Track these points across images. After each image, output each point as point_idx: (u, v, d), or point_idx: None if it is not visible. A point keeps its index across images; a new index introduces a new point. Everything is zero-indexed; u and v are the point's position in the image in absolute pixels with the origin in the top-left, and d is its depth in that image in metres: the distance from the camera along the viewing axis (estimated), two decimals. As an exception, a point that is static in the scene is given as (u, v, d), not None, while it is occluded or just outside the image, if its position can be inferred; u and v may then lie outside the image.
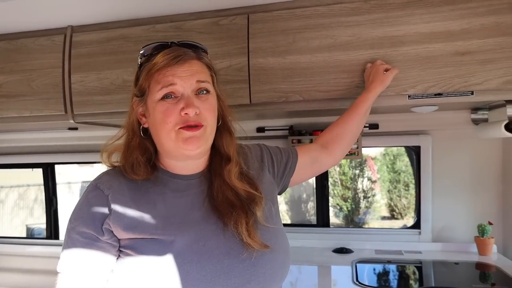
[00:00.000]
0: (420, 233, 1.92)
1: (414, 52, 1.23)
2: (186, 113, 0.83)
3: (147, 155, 0.90)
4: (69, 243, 0.83)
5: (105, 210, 0.83)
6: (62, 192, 2.69)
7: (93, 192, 0.85)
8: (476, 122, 1.74)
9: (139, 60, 0.90)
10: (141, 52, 0.89)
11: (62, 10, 1.43)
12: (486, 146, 1.82)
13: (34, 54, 1.59)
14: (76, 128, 1.90)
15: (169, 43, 0.89)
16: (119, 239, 0.84)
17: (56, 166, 2.51)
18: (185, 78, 0.84)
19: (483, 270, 1.68)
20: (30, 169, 2.59)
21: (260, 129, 1.93)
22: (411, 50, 1.23)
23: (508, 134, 1.34)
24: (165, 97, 0.84)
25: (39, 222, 2.89)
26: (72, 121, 1.58)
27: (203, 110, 0.85)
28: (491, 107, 1.57)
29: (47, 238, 2.52)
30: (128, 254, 0.83)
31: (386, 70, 1.21)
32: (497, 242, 1.79)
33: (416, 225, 1.95)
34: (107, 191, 0.84)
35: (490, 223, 1.75)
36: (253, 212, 0.87)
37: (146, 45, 0.89)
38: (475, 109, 1.71)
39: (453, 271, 1.67)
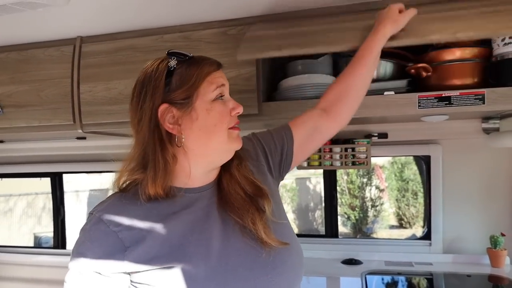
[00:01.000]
0: (430, 244, 1.89)
1: (432, 16, 1.12)
2: (237, 112, 0.87)
3: (172, 166, 0.83)
4: (72, 280, 0.79)
5: (117, 249, 0.78)
6: (70, 201, 2.71)
7: (97, 225, 0.80)
8: (487, 131, 1.72)
9: (173, 63, 0.83)
10: (173, 53, 0.85)
11: (71, 21, 1.45)
12: (497, 156, 1.79)
13: (43, 64, 1.61)
14: (84, 138, 1.92)
15: (190, 55, 0.87)
16: (129, 273, 0.80)
17: (64, 175, 2.52)
18: (227, 82, 0.89)
19: (496, 282, 1.65)
20: (38, 179, 2.60)
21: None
22: (428, 15, 1.12)
23: (520, 144, 1.32)
24: (217, 97, 0.85)
25: (47, 230, 2.90)
26: (80, 131, 1.59)
27: (241, 111, 0.90)
28: (503, 116, 1.55)
29: (54, 247, 2.53)
30: (141, 285, 0.80)
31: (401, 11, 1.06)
32: (510, 254, 1.76)
33: (427, 236, 1.92)
34: (116, 228, 0.79)
35: (503, 235, 1.72)
36: (263, 209, 0.86)
37: (170, 51, 0.86)
38: (486, 118, 1.70)
39: (465, 283, 1.65)
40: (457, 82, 1.30)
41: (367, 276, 1.70)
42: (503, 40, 1.24)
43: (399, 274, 1.73)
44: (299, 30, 1.27)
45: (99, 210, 0.82)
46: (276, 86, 1.48)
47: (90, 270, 0.78)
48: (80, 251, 0.79)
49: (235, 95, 1.39)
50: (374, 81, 1.36)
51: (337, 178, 3.78)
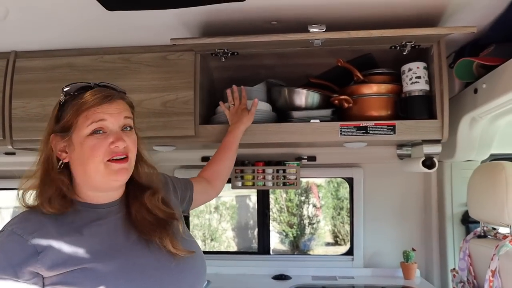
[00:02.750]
0: (353, 259, 2.04)
1: None
2: (116, 146, 0.89)
3: (64, 188, 0.91)
4: None
5: (30, 255, 0.82)
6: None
7: (10, 237, 0.83)
8: (401, 157, 1.92)
9: (62, 98, 0.92)
10: (65, 90, 0.92)
11: (5, 34, 1.42)
12: (410, 179, 2.00)
13: (-27, 77, 1.55)
14: (13, 153, 1.84)
15: (92, 84, 0.94)
16: (43, 278, 0.83)
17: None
18: (115, 115, 0.91)
19: (407, 293, 1.82)
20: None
21: (205, 159, 1.98)
22: None
23: (424, 169, 1.51)
24: (93, 132, 0.89)
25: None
26: (10, 147, 1.54)
27: (129, 143, 0.92)
28: (414, 144, 1.75)
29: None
30: None
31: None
32: (419, 267, 1.95)
33: (350, 252, 2.07)
34: (28, 236, 0.83)
35: (413, 250, 1.91)
36: (171, 227, 0.97)
37: (69, 84, 0.93)
38: (400, 145, 1.90)
39: (382, 295, 1.80)
40: (373, 113, 1.46)
41: (295, 291, 1.80)
42: (410, 79, 1.42)
43: (323, 287, 1.85)
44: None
45: (11, 224, 0.86)
46: (214, 110, 1.57)
47: (7, 278, 0.80)
48: None
49: (174, 117, 1.47)
50: (302, 109, 1.51)
51: (276, 197, 3.90)
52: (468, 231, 1.78)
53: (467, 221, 1.81)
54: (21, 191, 0.91)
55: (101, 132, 0.90)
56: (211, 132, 1.48)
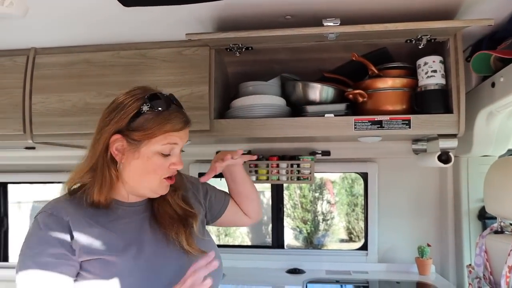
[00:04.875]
0: (367, 254, 2.04)
1: None
2: (175, 168, 0.98)
3: (113, 180, 0.95)
4: (27, 267, 0.85)
5: (68, 233, 0.88)
6: (11, 212, 2.59)
7: (50, 218, 0.89)
8: (416, 152, 1.90)
9: (145, 108, 0.92)
10: (151, 103, 0.92)
11: (26, 32, 1.46)
12: (425, 174, 1.99)
13: (-6, 73, 1.59)
14: (33, 148, 1.89)
15: (167, 94, 0.98)
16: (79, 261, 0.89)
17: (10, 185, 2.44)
18: (183, 140, 0.99)
19: (422, 289, 1.81)
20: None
21: (219, 153, 2.00)
22: None
23: (440, 164, 1.49)
24: (163, 152, 0.95)
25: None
26: (30, 141, 1.58)
27: (180, 168, 1.00)
28: (429, 138, 1.74)
29: (-4, 260, 2.42)
30: (83, 276, 0.88)
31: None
32: (435, 263, 1.94)
33: (364, 247, 2.07)
34: (66, 217, 0.89)
35: (428, 245, 1.90)
36: (189, 225, 1.01)
37: (153, 94, 0.94)
38: (416, 140, 1.88)
39: (396, 290, 1.80)
40: (388, 107, 1.45)
41: (308, 285, 1.81)
42: (426, 73, 1.41)
43: (337, 282, 1.85)
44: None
45: (48, 208, 0.91)
46: (229, 104, 1.58)
47: (54, 251, 0.86)
48: (38, 242, 0.87)
49: (189, 112, 1.46)
50: (316, 103, 1.50)
51: (290, 192, 3.89)
52: (484, 227, 1.76)
53: (483, 216, 1.79)
54: (69, 177, 0.96)
55: (170, 154, 0.96)
56: (226, 126, 1.49)
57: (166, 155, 0.96)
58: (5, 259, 2.42)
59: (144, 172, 0.95)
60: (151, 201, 1.04)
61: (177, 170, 1.04)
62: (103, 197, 0.94)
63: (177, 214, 1.02)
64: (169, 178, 0.98)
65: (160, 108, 0.93)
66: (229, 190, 1.30)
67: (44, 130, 1.56)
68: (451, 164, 1.47)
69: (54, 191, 2.88)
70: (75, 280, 0.89)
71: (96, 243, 0.89)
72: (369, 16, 1.31)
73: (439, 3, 1.25)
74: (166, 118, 0.93)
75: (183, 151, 1.02)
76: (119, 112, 0.93)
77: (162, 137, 0.93)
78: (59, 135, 1.56)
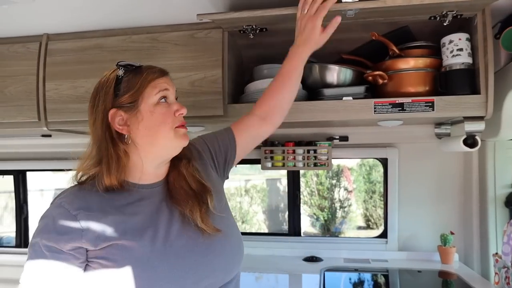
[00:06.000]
0: (387, 242, 1.99)
1: None
2: (181, 113, 0.97)
3: (124, 161, 0.94)
4: (33, 256, 0.86)
5: (75, 230, 0.86)
6: (34, 199, 2.65)
7: (58, 210, 0.89)
8: (439, 136, 1.83)
9: (121, 73, 0.94)
10: (122, 64, 0.94)
11: (37, 18, 1.45)
12: (448, 159, 1.91)
13: (8, 61, 1.59)
14: (49, 135, 1.90)
15: (138, 64, 0.98)
16: (87, 251, 0.88)
17: (29, 173, 2.47)
18: (172, 86, 0.99)
19: (445, 278, 1.75)
20: (1, 176, 2.54)
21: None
22: None
23: (466, 149, 1.42)
24: (160, 100, 0.94)
25: (9, 230, 2.82)
26: (45, 128, 1.59)
27: (185, 113, 0.99)
28: (453, 122, 1.66)
29: (17, 246, 2.47)
30: (100, 264, 0.87)
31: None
32: (458, 251, 1.88)
33: (383, 235, 2.02)
34: (75, 212, 0.87)
35: (452, 233, 1.83)
36: (205, 202, 0.98)
37: (122, 61, 0.95)
38: (439, 124, 1.81)
39: (417, 279, 1.75)
40: (410, 89, 1.38)
41: (326, 273, 1.77)
42: (451, 52, 1.33)
43: (356, 270, 1.81)
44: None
45: (59, 198, 0.91)
46: (243, 89, 1.54)
47: (53, 246, 0.85)
48: (43, 231, 0.87)
49: (202, 97, 1.45)
50: (333, 86, 1.45)
51: (307, 180, 3.86)
52: (512, 214, 1.69)
53: (511, 203, 1.71)
54: (75, 169, 0.95)
55: (165, 101, 0.96)
56: (240, 111, 1.44)
57: (166, 104, 0.96)
58: (26, 245, 2.47)
59: (155, 127, 0.93)
60: (167, 180, 1.01)
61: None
62: (115, 179, 0.92)
63: (192, 189, 0.99)
64: (181, 126, 0.97)
65: (133, 66, 0.95)
66: (267, 90, 1.18)
67: (58, 117, 1.56)
68: (477, 148, 1.40)
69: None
70: (88, 269, 0.89)
71: (112, 229, 0.88)
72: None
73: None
74: (143, 71, 0.95)
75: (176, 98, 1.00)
76: (101, 90, 0.95)
77: (151, 88, 0.94)
78: (73, 122, 1.55)
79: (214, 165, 1.13)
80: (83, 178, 0.96)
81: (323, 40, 1.16)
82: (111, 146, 0.92)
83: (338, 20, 1.15)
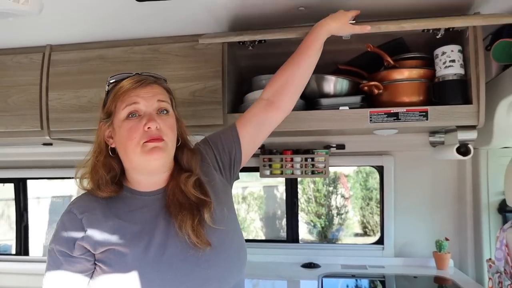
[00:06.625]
0: (383, 248, 2.02)
1: None
2: (148, 127, 0.92)
3: (112, 173, 0.99)
4: (49, 261, 0.94)
5: (79, 231, 0.92)
6: (31, 207, 2.65)
7: (67, 216, 0.94)
8: (433, 144, 1.87)
9: (107, 87, 1.00)
10: (109, 80, 1.00)
11: (41, 29, 1.48)
12: (443, 167, 1.95)
13: (11, 71, 1.62)
14: (50, 144, 1.92)
15: (133, 74, 0.99)
16: (94, 254, 0.92)
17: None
18: (148, 98, 0.94)
19: (440, 283, 1.78)
20: (1, 184, 2.55)
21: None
22: None
23: (459, 157, 1.46)
24: (129, 115, 0.94)
25: (5, 238, 2.82)
26: (48, 137, 1.61)
27: (164, 126, 0.94)
28: (447, 130, 1.70)
29: (17, 254, 2.47)
30: (99, 267, 0.92)
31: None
32: (453, 257, 1.91)
33: (380, 241, 2.05)
34: (80, 215, 0.93)
35: (446, 239, 1.86)
36: (200, 214, 0.95)
37: (114, 75, 1.00)
38: (433, 132, 1.85)
39: (414, 284, 1.77)
40: (405, 99, 1.42)
41: (324, 279, 1.80)
42: (444, 63, 1.37)
43: (353, 276, 1.84)
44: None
45: (70, 204, 0.97)
46: (242, 99, 1.57)
47: (65, 251, 0.91)
48: (55, 237, 0.93)
49: (202, 106, 1.48)
50: (330, 96, 1.49)
51: (304, 187, 3.87)
52: (505, 220, 1.73)
53: (504, 210, 1.75)
54: (78, 178, 1.00)
55: (136, 115, 0.94)
56: (240, 120, 1.48)
57: (135, 119, 0.93)
58: (26, 253, 2.48)
59: (124, 143, 0.94)
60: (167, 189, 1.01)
61: (191, 151, 1.03)
62: (109, 191, 0.96)
63: (189, 202, 0.96)
64: (153, 140, 0.92)
65: (114, 81, 0.98)
66: (279, 69, 1.14)
67: (60, 126, 1.58)
68: (470, 156, 1.44)
69: (72, 187, 2.93)
70: (93, 273, 0.94)
71: (110, 235, 0.91)
72: (384, 10, 1.28)
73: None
74: (118, 85, 0.96)
75: (166, 111, 0.97)
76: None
77: (120, 102, 0.94)
78: (75, 131, 1.58)
79: (218, 167, 1.10)
80: (89, 185, 1.00)
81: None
82: (101, 156, 0.98)
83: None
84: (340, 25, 1.14)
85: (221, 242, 0.96)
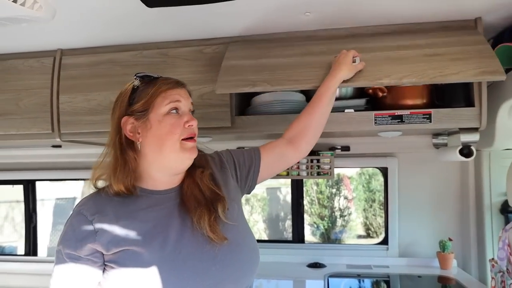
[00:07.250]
0: (388, 248, 2.05)
1: (384, 54, 1.30)
2: (190, 125, 0.98)
3: (128, 167, 0.98)
4: (57, 262, 0.94)
5: (90, 233, 0.92)
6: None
7: (77, 217, 0.94)
8: (437, 146, 1.89)
9: (137, 83, 1.00)
10: (139, 75, 1.00)
11: (52, 34, 1.51)
12: (446, 168, 1.98)
13: (23, 75, 1.66)
14: (59, 146, 1.95)
15: (157, 75, 1.02)
16: (103, 255, 0.93)
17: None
18: (186, 98, 1.01)
19: (444, 283, 1.81)
20: (10, 186, 2.58)
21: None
22: (380, 53, 1.31)
23: (462, 158, 1.49)
24: (170, 111, 0.97)
25: (10, 240, 2.85)
26: (58, 140, 1.64)
27: (196, 126, 1.01)
28: (450, 133, 1.72)
29: (26, 254, 2.49)
30: (112, 267, 0.92)
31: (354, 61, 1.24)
32: (456, 257, 1.93)
33: (384, 241, 2.07)
34: (91, 217, 0.93)
35: (450, 239, 1.89)
36: (215, 210, 0.98)
37: (140, 72, 1.01)
38: (436, 134, 1.87)
39: (418, 284, 1.80)
40: (409, 102, 1.45)
41: (329, 279, 1.82)
42: (447, 66, 1.40)
43: (359, 276, 1.87)
44: (269, 62, 1.39)
45: (79, 205, 0.97)
46: (249, 101, 1.60)
47: (72, 253, 0.92)
48: (63, 239, 0.94)
49: (210, 109, 1.51)
50: (336, 99, 1.51)
51: (307, 189, 3.89)
52: (507, 221, 1.75)
53: (506, 210, 1.78)
54: (94, 175, 1.01)
55: (176, 112, 0.98)
56: (247, 123, 1.51)
57: (176, 115, 0.98)
58: (34, 253, 2.51)
59: (162, 137, 0.96)
60: (182, 187, 1.03)
61: (199, 150, 1.06)
62: (122, 185, 0.95)
63: (205, 197, 1.00)
64: (190, 139, 0.99)
65: (150, 77, 1.00)
66: (299, 115, 1.22)
67: (71, 128, 1.62)
68: (473, 158, 1.46)
69: (77, 189, 2.96)
70: (104, 271, 0.94)
71: (123, 235, 0.91)
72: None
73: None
74: (157, 82, 0.99)
75: (192, 111, 1.03)
76: (119, 99, 1.02)
77: (162, 98, 0.97)
78: (85, 133, 1.61)
79: (235, 175, 1.14)
80: (99, 184, 1.01)
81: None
82: (119, 152, 0.98)
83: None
84: (347, 72, 1.22)
85: (235, 238, 0.99)
